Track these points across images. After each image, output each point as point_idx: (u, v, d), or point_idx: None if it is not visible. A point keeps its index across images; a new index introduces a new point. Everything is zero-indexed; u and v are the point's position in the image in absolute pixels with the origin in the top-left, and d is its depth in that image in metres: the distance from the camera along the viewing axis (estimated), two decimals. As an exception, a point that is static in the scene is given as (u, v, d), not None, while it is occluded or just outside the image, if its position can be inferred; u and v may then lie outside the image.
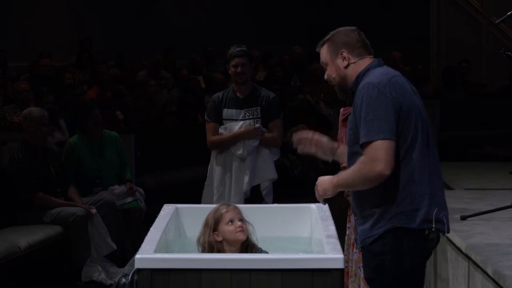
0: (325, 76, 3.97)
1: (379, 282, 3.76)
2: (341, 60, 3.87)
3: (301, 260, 3.71)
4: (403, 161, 3.66)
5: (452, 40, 14.23)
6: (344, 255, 3.81)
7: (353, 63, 3.85)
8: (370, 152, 3.61)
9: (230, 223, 4.14)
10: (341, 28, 3.96)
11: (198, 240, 4.25)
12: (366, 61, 3.85)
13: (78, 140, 7.63)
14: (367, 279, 3.87)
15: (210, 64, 13.52)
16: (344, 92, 3.94)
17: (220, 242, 4.15)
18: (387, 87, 3.66)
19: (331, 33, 3.95)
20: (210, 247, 4.15)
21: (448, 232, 3.78)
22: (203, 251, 4.18)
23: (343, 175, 3.78)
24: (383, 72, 3.77)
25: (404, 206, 3.67)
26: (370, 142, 3.60)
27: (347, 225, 5.55)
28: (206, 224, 4.22)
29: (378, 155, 3.58)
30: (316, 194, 3.95)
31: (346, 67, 3.86)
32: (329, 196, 3.92)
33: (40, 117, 7.17)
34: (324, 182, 3.88)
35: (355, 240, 3.92)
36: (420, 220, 3.66)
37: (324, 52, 3.93)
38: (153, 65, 12.50)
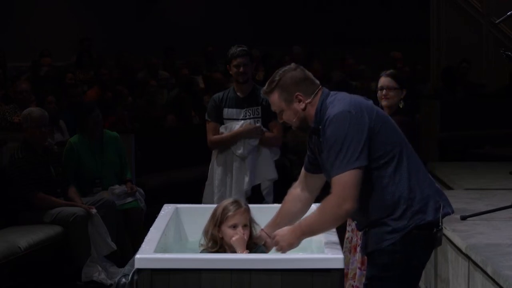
0: (280, 120, 3.95)
1: (385, 279, 3.80)
2: (297, 103, 3.83)
3: (301, 260, 3.71)
4: (398, 171, 3.75)
5: (452, 40, 14.22)
6: (344, 257, 3.80)
7: (309, 102, 3.82)
8: (338, 189, 3.68)
9: (233, 227, 4.12)
10: (284, 70, 3.88)
11: (204, 230, 4.21)
12: (318, 95, 3.84)
13: (79, 140, 7.64)
14: (371, 278, 3.88)
15: (210, 64, 13.53)
16: (305, 131, 3.95)
17: (222, 238, 4.14)
18: (354, 112, 3.70)
19: (276, 78, 3.86)
20: (214, 240, 4.12)
21: (453, 212, 3.89)
22: (207, 242, 4.16)
23: (307, 222, 3.82)
24: (338, 98, 3.79)
25: (415, 206, 3.76)
26: (340, 173, 3.66)
27: (347, 228, 5.54)
28: (213, 216, 4.17)
29: (346, 193, 3.67)
30: (277, 249, 3.92)
31: (304, 108, 3.83)
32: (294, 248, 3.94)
33: (40, 117, 7.17)
34: (286, 236, 3.88)
35: (363, 245, 3.95)
36: (433, 210, 3.77)
37: (276, 99, 3.86)
38: (152, 65, 12.51)
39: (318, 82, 3.88)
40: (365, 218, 3.87)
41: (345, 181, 3.66)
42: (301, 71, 3.87)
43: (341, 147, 3.65)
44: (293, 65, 3.92)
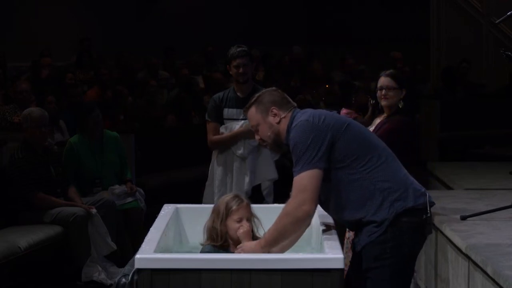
0: (257, 137, 4.17)
1: (377, 269, 3.90)
2: (272, 117, 4.09)
3: (301, 260, 3.71)
4: (369, 166, 3.91)
5: (452, 40, 14.22)
6: (345, 257, 3.80)
7: (284, 117, 4.07)
8: (296, 191, 3.86)
9: (238, 221, 4.19)
10: (264, 90, 4.20)
11: (206, 227, 4.27)
12: (291, 112, 4.08)
13: (79, 140, 7.64)
14: (366, 270, 3.95)
15: (210, 64, 13.53)
16: (280, 147, 4.14)
17: (226, 232, 4.22)
18: (312, 120, 3.92)
19: (255, 96, 4.16)
20: (220, 235, 4.19)
21: (434, 203, 4.06)
22: (210, 238, 4.20)
23: (270, 231, 3.94)
24: (302, 112, 4.04)
25: (392, 195, 3.91)
26: (298, 174, 3.85)
27: (347, 228, 5.52)
28: (217, 212, 4.25)
29: (304, 195, 3.84)
30: None
31: (278, 122, 4.08)
32: None
33: (40, 118, 7.17)
34: (251, 249, 3.97)
35: (355, 243, 4.01)
36: (413, 197, 3.92)
37: (253, 114, 4.14)
38: (152, 65, 12.51)
39: (294, 103, 4.14)
40: (347, 219, 3.99)
41: (302, 183, 3.84)
42: (280, 92, 4.17)
43: (299, 151, 3.87)
44: (273, 87, 4.25)
